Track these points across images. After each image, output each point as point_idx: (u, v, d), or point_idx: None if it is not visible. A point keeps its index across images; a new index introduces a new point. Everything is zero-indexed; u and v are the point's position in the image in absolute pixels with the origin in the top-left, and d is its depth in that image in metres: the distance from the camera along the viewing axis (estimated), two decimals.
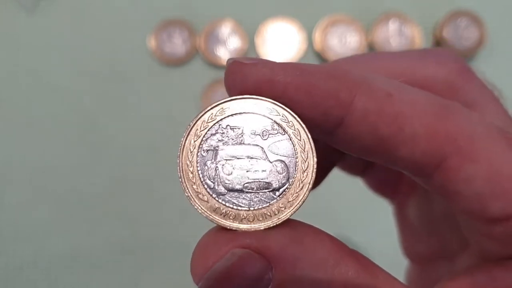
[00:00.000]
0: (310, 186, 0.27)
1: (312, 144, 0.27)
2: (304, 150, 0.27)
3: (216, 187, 0.26)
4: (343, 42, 0.89)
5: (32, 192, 0.84)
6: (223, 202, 0.26)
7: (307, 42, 0.88)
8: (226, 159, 0.26)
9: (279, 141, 0.27)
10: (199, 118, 0.27)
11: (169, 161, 0.83)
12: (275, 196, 0.26)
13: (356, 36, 0.89)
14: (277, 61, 0.27)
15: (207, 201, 0.27)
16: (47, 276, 0.82)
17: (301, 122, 0.26)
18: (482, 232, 0.27)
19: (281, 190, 0.26)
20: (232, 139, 0.27)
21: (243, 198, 0.26)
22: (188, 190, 0.27)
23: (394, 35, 0.88)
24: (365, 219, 0.80)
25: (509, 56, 0.89)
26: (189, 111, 0.84)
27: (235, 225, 0.26)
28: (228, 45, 0.88)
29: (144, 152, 0.85)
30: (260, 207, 0.26)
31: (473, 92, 0.31)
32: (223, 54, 0.87)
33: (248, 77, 0.26)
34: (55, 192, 0.84)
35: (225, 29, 0.88)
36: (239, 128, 0.27)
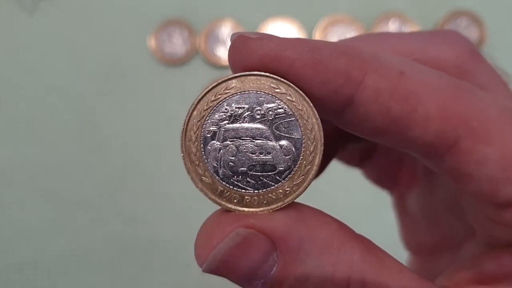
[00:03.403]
0: (317, 169, 0.26)
1: (320, 124, 0.26)
2: (311, 131, 0.26)
3: (220, 169, 0.26)
4: None
5: (32, 192, 0.83)
6: (227, 185, 0.26)
7: None
8: (230, 140, 0.26)
9: (285, 121, 0.26)
10: (202, 97, 0.26)
11: (169, 161, 0.83)
12: (280, 179, 0.26)
13: None
14: (284, 36, 0.26)
15: (211, 184, 0.26)
16: (47, 276, 0.82)
17: (309, 101, 0.25)
18: (491, 217, 0.27)
19: (286, 172, 0.26)
20: (237, 119, 0.26)
21: (248, 180, 0.26)
22: (191, 172, 0.26)
23: None
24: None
25: (509, 56, 0.89)
26: None
27: (239, 208, 0.26)
28: (228, 45, 0.87)
29: (144, 152, 0.85)
30: (265, 190, 0.26)
31: (483, 75, 0.30)
32: (223, 54, 0.87)
33: (254, 52, 0.25)
34: (55, 192, 0.83)
35: (225, 29, 0.88)
36: (244, 107, 0.26)
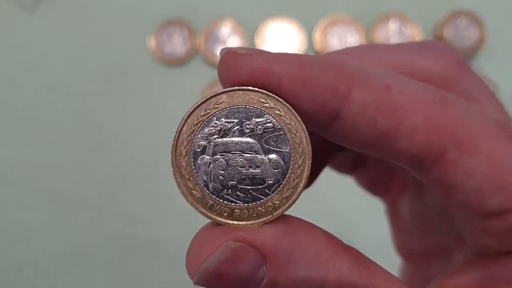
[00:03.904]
0: (306, 181, 0.26)
1: (308, 138, 0.26)
2: (299, 145, 0.26)
3: (210, 183, 0.26)
4: (343, 42, 0.89)
5: (32, 192, 0.84)
6: (217, 199, 0.26)
7: (307, 42, 0.88)
8: (220, 154, 0.26)
9: (274, 135, 0.26)
10: (192, 112, 0.26)
11: (169, 161, 0.83)
12: (269, 192, 0.26)
13: (356, 36, 0.88)
14: (273, 51, 0.26)
15: (201, 198, 0.26)
16: (47, 276, 0.82)
17: (297, 115, 0.26)
18: (478, 227, 0.27)
19: (275, 186, 0.26)
20: (226, 133, 0.26)
21: (238, 194, 0.26)
22: (182, 186, 0.26)
23: (394, 35, 0.88)
24: (362, 218, 0.80)
25: (509, 56, 0.88)
26: None
27: (229, 221, 0.26)
28: (228, 45, 0.87)
29: (144, 152, 0.85)
30: (254, 203, 0.26)
31: (470, 86, 0.30)
32: None
33: (243, 68, 0.26)
34: (55, 192, 0.84)
35: (225, 29, 0.88)
36: (233, 122, 0.26)
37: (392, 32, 0.88)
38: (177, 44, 0.87)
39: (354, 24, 0.89)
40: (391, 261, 0.33)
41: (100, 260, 0.83)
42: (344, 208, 0.82)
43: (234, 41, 0.88)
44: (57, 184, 0.84)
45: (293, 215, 0.27)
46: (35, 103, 0.86)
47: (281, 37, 0.88)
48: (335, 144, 0.29)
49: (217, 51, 0.87)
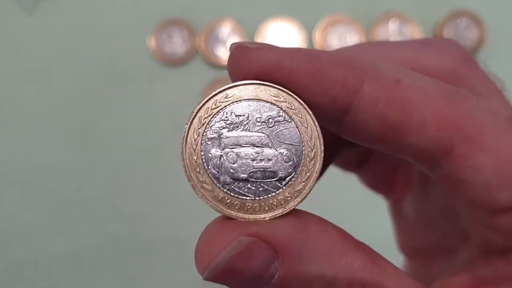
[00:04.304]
0: (317, 175, 0.26)
1: (319, 131, 0.26)
2: (311, 138, 0.26)
3: (221, 176, 0.26)
4: (343, 42, 0.89)
5: (32, 192, 0.83)
6: (228, 192, 0.26)
7: (307, 42, 0.88)
8: (231, 147, 0.26)
9: (285, 128, 0.26)
10: (203, 105, 0.26)
11: (169, 161, 0.83)
12: (281, 185, 0.26)
13: (356, 36, 0.89)
14: (283, 46, 0.26)
15: (212, 191, 0.26)
16: (47, 276, 0.82)
17: (308, 109, 0.26)
18: (486, 224, 0.27)
19: (287, 179, 0.26)
20: (237, 127, 0.26)
21: (249, 187, 0.26)
22: (192, 179, 0.26)
23: (394, 35, 0.88)
24: (364, 216, 0.80)
25: (509, 56, 0.89)
26: (189, 111, 0.83)
27: (240, 215, 0.26)
28: (228, 45, 0.87)
29: (144, 152, 0.85)
30: (265, 196, 0.26)
31: (477, 82, 0.31)
32: (223, 54, 0.87)
33: (253, 62, 0.25)
34: (55, 192, 0.83)
35: (225, 29, 0.88)
36: (244, 115, 0.26)
37: (392, 32, 0.88)
38: (177, 44, 0.87)
39: (354, 24, 0.89)
40: (393, 259, 0.33)
41: (100, 260, 0.83)
42: (346, 206, 0.82)
43: (234, 41, 0.87)
44: (57, 184, 0.84)
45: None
46: (35, 103, 0.85)
47: (281, 37, 0.88)
48: (341, 139, 0.29)
49: (217, 51, 0.88)
